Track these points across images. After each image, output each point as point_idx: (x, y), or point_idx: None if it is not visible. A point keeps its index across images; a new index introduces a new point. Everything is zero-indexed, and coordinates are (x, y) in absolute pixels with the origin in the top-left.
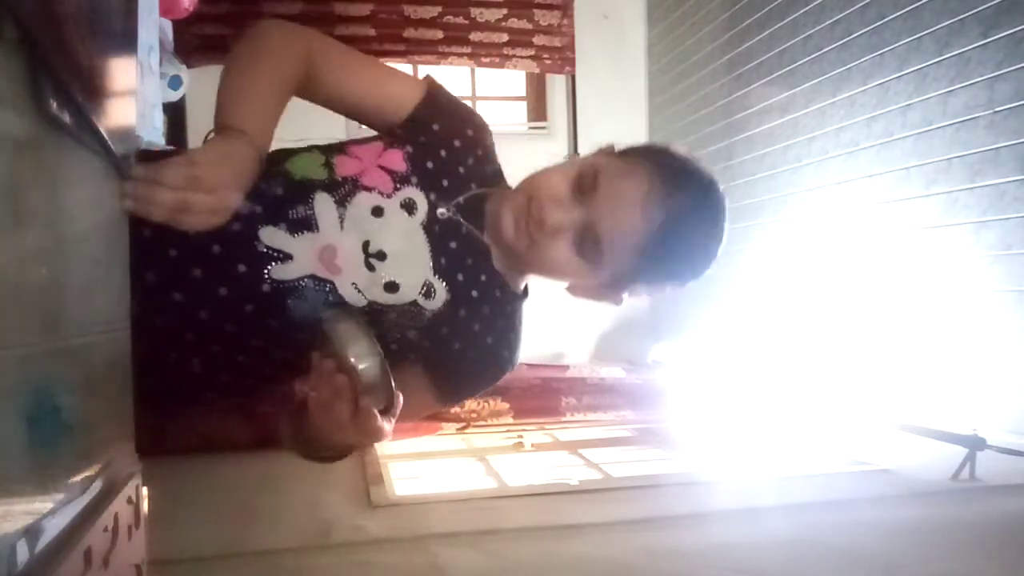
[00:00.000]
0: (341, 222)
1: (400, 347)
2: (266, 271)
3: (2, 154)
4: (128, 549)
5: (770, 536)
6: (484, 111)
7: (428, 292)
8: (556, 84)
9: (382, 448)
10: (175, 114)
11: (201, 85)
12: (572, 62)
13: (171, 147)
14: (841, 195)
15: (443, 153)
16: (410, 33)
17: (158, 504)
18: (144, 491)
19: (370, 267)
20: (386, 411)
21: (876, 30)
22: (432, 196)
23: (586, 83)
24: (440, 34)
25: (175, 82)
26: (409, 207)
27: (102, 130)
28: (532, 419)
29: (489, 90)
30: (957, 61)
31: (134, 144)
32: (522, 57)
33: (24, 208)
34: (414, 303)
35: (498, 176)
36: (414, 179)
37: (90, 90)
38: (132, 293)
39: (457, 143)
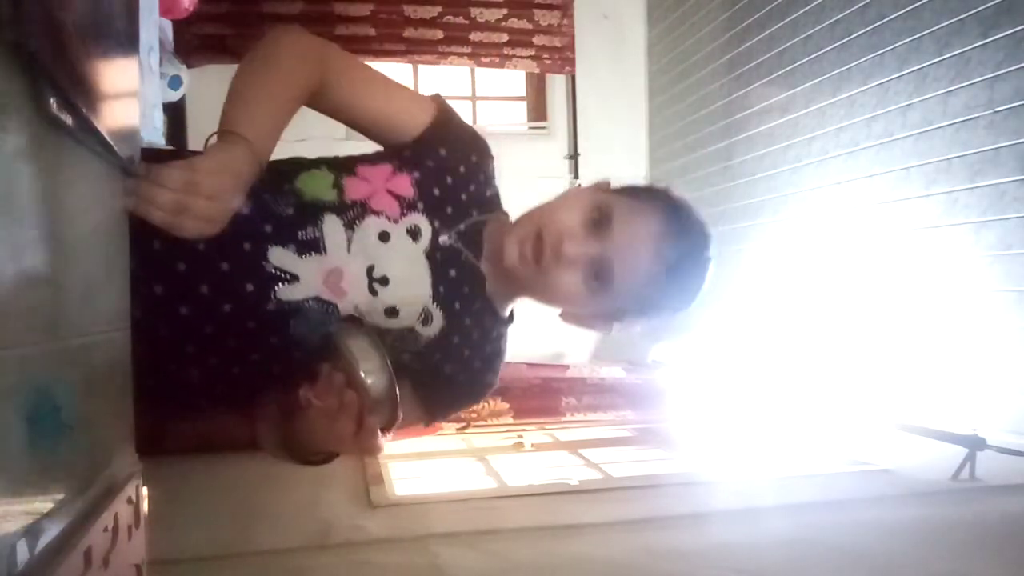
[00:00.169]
0: (348, 245)
1: (393, 368)
2: (272, 291)
3: (2, 154)
4: (128, 549)
5: (770, 536)
6: (484, 111)
7: (426, 319)
8: (556, 84)
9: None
10: (175, 114)
11: (201, 85)
12: (572, 62)
13: (172, 147)
14: (841, 195)
15: (448, 180)
16: (410, 33)
17: (158, 504)
18: (144, 491)
19: (373, 292)
20: (386, 428)
21: (876, 30)
22: (436, 223)
23: (586, 83)
24: (440, 34)
25: (175, 82)
26: (414, 233)
27: (102, 131)
28: (532, 419)
29: (489, 90)
30: (957, 61)
31: (138, 145)
32: (522, 57)
33: (24, 208)
34: (411, 329)
35: (496, 199)
36: (420, 205)
37: (91, 91)
38: (138, 303)
39: (462, 169)
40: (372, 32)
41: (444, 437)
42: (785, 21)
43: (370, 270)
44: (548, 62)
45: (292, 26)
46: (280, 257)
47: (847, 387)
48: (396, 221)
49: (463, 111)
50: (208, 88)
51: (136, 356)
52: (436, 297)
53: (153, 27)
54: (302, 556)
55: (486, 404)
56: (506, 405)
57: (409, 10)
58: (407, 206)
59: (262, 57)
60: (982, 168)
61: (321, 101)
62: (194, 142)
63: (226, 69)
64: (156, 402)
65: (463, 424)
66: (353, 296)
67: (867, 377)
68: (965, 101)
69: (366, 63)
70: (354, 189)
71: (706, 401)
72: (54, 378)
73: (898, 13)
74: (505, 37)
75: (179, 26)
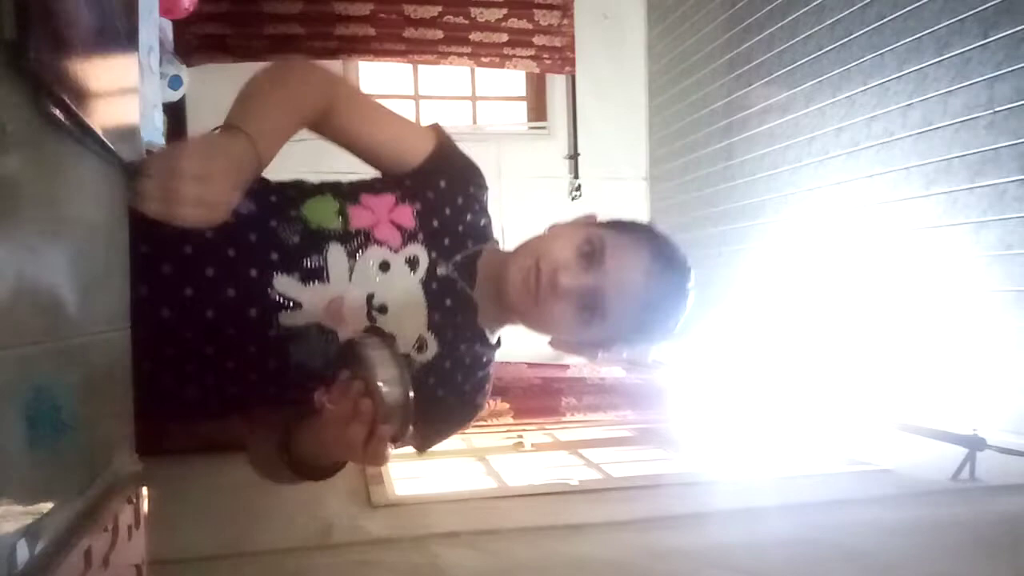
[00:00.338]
0: (350, 274)
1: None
2: (276, 317)
3: (2, 155)
4: (128, 549)
5: (770, 536)
6: (484, 111)
7: (421, 346)
8: (556, 84)
9: None
10: (175, 114)
11: (201, 85)
12: (572, 62)
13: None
14: (841, 195)
15: (447, 211)
16: (410, 33)
17: (158, 504)
18: (144, 491)
19: (372, 319)
20: (395, 440)
21: (876, 30)
22: (434, 254)
23: (586, 83)
24: (440, 34)
25: (175, 82)
26: (413, 264)
27: (101, 131)
28: (532, 419)
29: (489, 90)
30: (957, 61)
31: (139, 145)
32: (522, 57)
33: (24, 208)
34: (406, 355)
35: (488, 228)
36: (420, 236)
37: (90, 91)
38: (144, 325)
39: (460, 200)
40: (372, 32)
41: None
42: (785, 21)
43: (370, 298)
44: (548, 62)
45: (304, 60)
46: (285, 285)
47: (847, 387)
48: (397, 251)
49: (463, 111)
50: (208, 88)
51: (137, 372)
52: (431, 325)
53: (153, 27)
54: (302, 556)
55: (486, 404)
56: (506, 405)
57: (409, 10)
58: (408, 237)
59: (271, 75)
60: (982, 168)
61: (326, 126)
62: None
63: (226, 69)
64: (154, 412)
65: None
66: (352, 323)
67: (867, 377)
68: (965, 101)
69: (371, 97)
70: (358, 218)
71: (706, 401)
72: (54, 378)
73: (898, 13)
74: (505, 37)
75: (179, 25)
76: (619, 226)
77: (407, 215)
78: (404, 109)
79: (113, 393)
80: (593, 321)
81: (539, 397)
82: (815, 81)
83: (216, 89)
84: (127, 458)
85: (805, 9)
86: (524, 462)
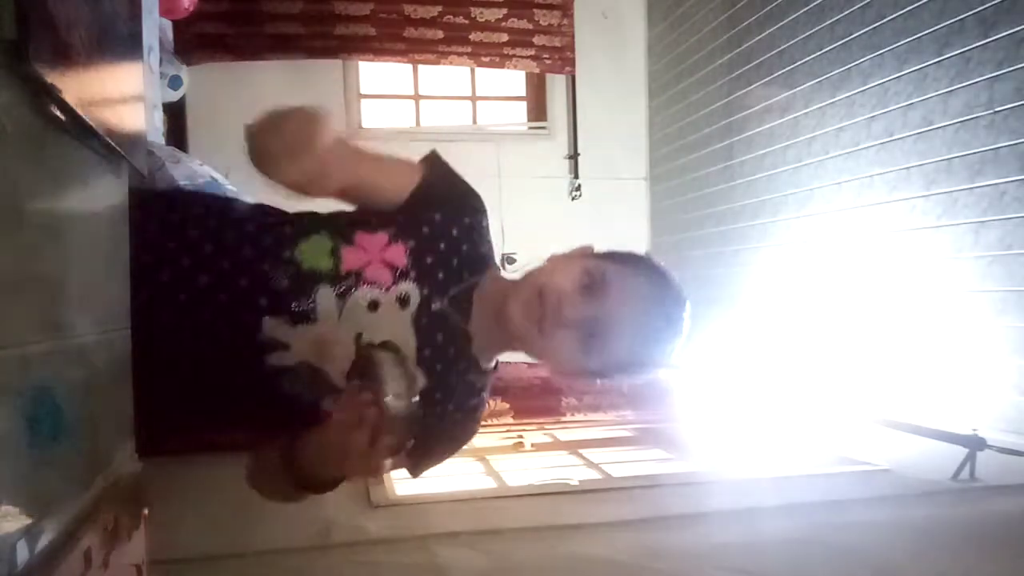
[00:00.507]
0: (339, 314)
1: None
2: (265, 358)
3: (3, 155)
4: (128, 549)
5: (770, 536)
6: (484, 111)
7: None
8: (556, 84)
9: None
10: (175, 114)
11: (201, 85)
12: (572, 62)
13: (172, 146)
14: (841, 195)
15: (442, 246)
16: (410, 33)
17: (158, 504)
18: (144, 491)
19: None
20: (393, 453)
21: (876, 30)
22: (426, 291)
23: (586, 83)
24: (440, 34)
25: (175, 82)
26: (403, 301)
27: (103, 132)
28: (532, 419)
29: (489, 90)
30: (957, 61)
31: (143, 146)
32: (522, 57)
33: (25, 208)
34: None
35: (488, 255)
36: (412, 274)
37: (92, 92)
38: (142, 362)
39: (455, 231)
40: (372, 32)
41: None
42: (785, 21)
43: (358, 337)
44: (548, 62)
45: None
46: (274, 328)
47: (847, 386)
48: (387, 290)
49: (463, 111)
50: (208, 88)
51: (136, 394)
52: (420, 360)
53: (153, 27)
54: (302, 556)
55: (478, 429)
56: (506, 405)
57: (409, 10)
58: (399, 275)
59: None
60: (982, 168)
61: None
62: (194, 142)
63: (226, 69)
64: (154, 423)
65: None
66: (340, 362)
67: (866, 376)
68: (965, 101)
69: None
70: (350, 259)
71: (706, 401)
72: (54, 378)
73: (898, 13)
74: (505, 37)
75: (179, 25)
76: (616, 257)
77: (400, 254)
78: (404, 109)
79: (113, 393)
80: (593, 350)
81: (539, 397)
82: (815, 81)
83: (216, 89)
84: (127, 458)
85: (805, 9)
86: (524, 462)
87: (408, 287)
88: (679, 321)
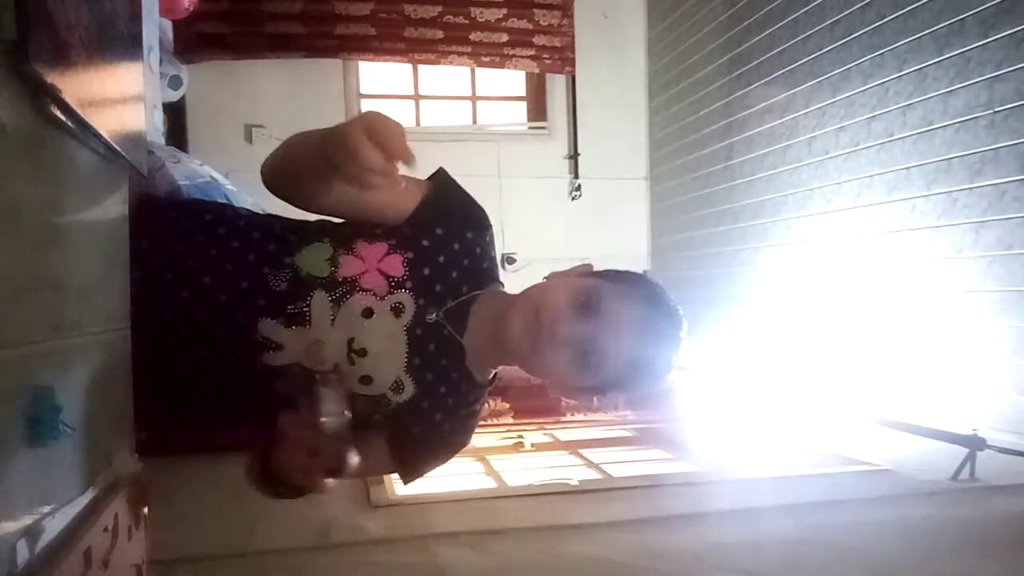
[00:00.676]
0: (333, 320)
1: (365, 425)
2: (259, 357)
3: (2, 155)
4: (128, 549)
5: (770, 536)
6: (484, 111)
7: (397, 388)
8: (556, 84)
9: None
10: (175, 114)
11: (201, 85)
12: (572, 62)
13: (172, 146)
14: (841, 195)
15: (441, 259)
16: (410, 33)
17: (158, 504)
18: (144, 491)
19: (351, 361)
20: (333, 472)
21: (876, 30)
22: (421, 301)
23: (586, 83)
24: (440, 34)
25: (175, 82)
26: (397, 310)
27: (103, 133)
28: (532, 419)
29: (489, 90)
30: (957, 61)
31: (144, 146)
32: (522, 57)
33: (24, 208)
34: (383, 395)
35: (491, 270)
36: (408, 284)
37: (92, 91)
38: (140, 363)
39: (456, 246)
40: (372, 32)
41: None
42: (785, 21)
43: (350, 342)
44: (548, 62)
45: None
46: (268, 328)
47: (847, 387)
48: (382, 299)
49: (463, 111)
50: (208, 88)
51: (136, 394)
52: (410, 369)
53: (153, 27)
54: (302, 556)
55: (486, 404)
56: (506, 405)
57: (409, 10)
58: (395, 285)
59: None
60: (982, 168)
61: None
62: (194, 142)
63: (227, 69)
64: (154, 424)
65: None
66: (330, 364)
67: (866, 377)
68: (965, 101)
69: None
70: (348, 267)
71: (707, 401)
72: (54, 378)
73: (898, 13)
74: (505, 37)
75: (179, 24)
76: (614, 276)
77: (396, 264)
78: (404, 109)
79: (113, 393)
80: (589, 368)
81: (539, 397)
82: (815, 81)
83: (216, 89)
84: (127, 458)
85: (805, 9)
86: (524, 462)
87: (403, 297)
88: (674, 340)
